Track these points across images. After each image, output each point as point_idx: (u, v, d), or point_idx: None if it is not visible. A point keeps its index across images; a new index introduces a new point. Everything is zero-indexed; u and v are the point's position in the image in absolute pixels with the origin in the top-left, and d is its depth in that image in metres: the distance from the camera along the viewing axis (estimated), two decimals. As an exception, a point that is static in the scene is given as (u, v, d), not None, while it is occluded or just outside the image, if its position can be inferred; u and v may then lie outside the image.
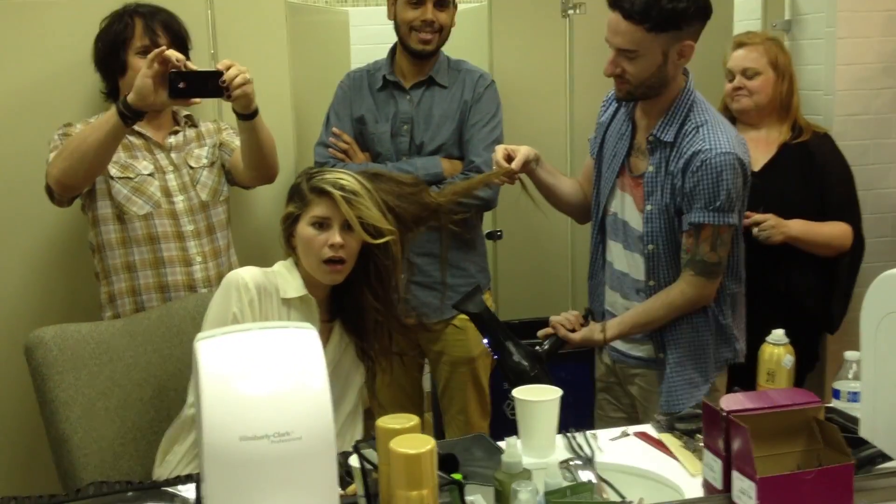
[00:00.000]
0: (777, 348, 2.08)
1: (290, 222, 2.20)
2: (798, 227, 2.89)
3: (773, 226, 2.84)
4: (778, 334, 2.10)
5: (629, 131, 2.49)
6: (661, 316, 2.42)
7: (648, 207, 2.41)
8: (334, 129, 2.94)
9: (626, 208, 2.49)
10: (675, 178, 2.36)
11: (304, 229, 2.16)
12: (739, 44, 3.03)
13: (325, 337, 2.23)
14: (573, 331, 2.44)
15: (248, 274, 2.12)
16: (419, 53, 2.90)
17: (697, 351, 2.45)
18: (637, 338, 2.50)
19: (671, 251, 2.41)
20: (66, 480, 2.13)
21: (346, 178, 2.17)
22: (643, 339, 2.49)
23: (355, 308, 2.25)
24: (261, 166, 2.67)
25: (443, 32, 2.91)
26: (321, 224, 2.15)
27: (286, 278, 2.18)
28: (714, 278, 2.39)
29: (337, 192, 2.12)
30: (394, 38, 2.96)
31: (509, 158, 2.48)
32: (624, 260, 2.51)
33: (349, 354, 2.27)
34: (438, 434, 3.21)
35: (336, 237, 2.13)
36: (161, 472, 2.14)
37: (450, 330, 2.94)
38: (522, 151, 2.49)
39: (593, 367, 2.75)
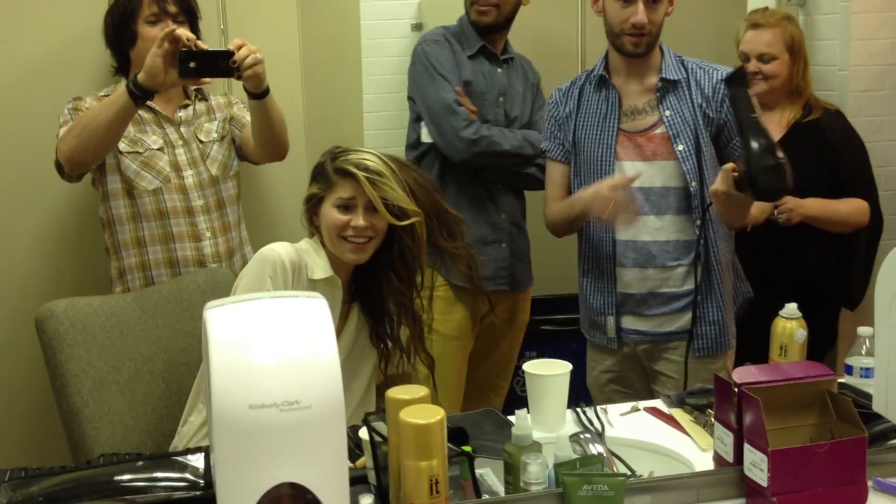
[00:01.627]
0: (790, 322, 2.07)
1: (314, 203, 2.19)
2: (815, 206, 2.88)
3: (791, 209, 2.82)
4: (791, 308, 2.08)
5: (615, 103, 2.55)
6: None
7: (680, 147, 2.48)
8: (457, 89, 2.87)
9: (640, 171, 2.51)
10: (707, 108, 2.50)
11: (329, 211, 2.14)
12: (754, 24, 2.98)
13: (344, 318, 2.22)
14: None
15: (283, 251, 2.10)
16: (478, 25, 2.92)
17: (727, 282, 2.56)
18: (670, 311, 2.54)
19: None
20: (77, 453, 2.13)
21: (371, 158, 2.14)
22: (677, 311, 2.53)
23: (376, 290, 2.23)
24: (271, 145, 2.65)
25: (501, 7, 2.91)
26: (346, 206, 2.13)
27: (314, 258, 2.16)
28: None
29: (361, 174, 2.10)
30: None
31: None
32: (649, 227, 2.51)
33: (363, 336, 2.26)
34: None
35: (360, 220, 2.11)
36: (176, 442, 2.15)
37: (522, 296, 3.04)
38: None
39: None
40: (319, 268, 2.14)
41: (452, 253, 2.24)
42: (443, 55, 2.91)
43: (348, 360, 2.19)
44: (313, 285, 2.12)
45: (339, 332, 2.19)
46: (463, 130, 2.80)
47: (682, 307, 2.53)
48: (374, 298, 2.23)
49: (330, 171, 2.16)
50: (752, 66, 2.94)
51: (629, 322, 2.58)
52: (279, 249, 2.10)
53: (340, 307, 2.18)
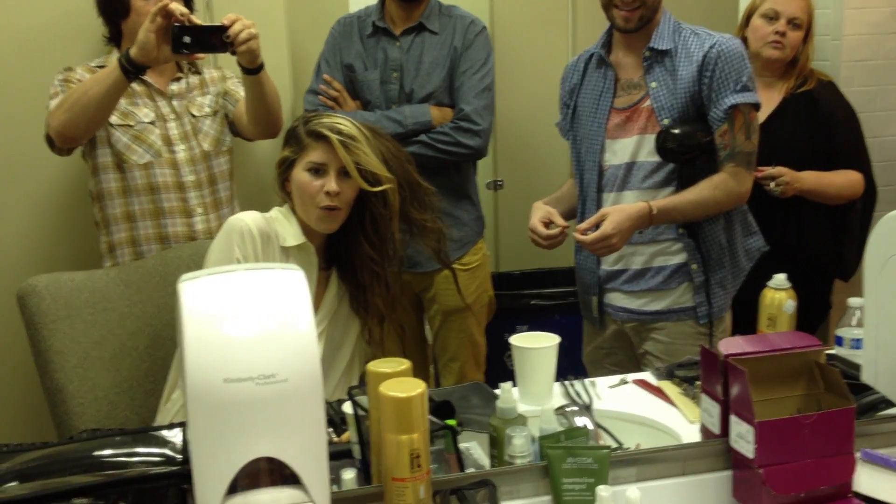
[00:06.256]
0: (778, 293, 2.05)
1: (286, 167, 2.16)
2: (811, 180, 2.86)
3: (788, 182, 2.81)
4: (779, 279, 2.06)
5: (611, 80, 2.51)
6: (706, 196, 2.40)
7: (666, 122, 2.42)
8: (325, 76, 2.89)
9: (625, 148, 2.48)
10: (692, 85, 2.40)
11: (300, 175, 2.12)
12: None
13: (324, 285, 2.20)
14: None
15: (250, 219, 2.07)
16: None
17: (730, 247, 2.49)
18: (659, 287, 2.49)
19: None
20: (61, 430, 2.12)
21: (344, 122, 2.12)
22: (666, 287, 2.49)
23: (350, 257, 2.21)
24: (265, 121, 2.63)
25: None
26: (317, 170, 2.11)
27: (284, 225, 2.14)
28: (752, 169, 2.45)
29: (334, 136, 2.08)
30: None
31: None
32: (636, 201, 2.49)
33: (345, 303, 2.24)
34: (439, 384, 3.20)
35: (332, 184, 2.08)
36: (160, 420, 2.13)
37: (440, 278, 2.90)
38: (555, 217, 2.49)
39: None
40: (291, 235, 2.12)
41: (422, 225, 2.21)
42: (330, 43, 2.95)
43: (332, 327, 2.19)
44: (286, 252, 2.11)
45: (320, 298, 2.18)
46: None
47: (672, 283, 2.50)
48: (349, 264, 2.21)
49: (302, 134, 2.13)
50: (780, 26, 2.90)
51: (616, 299, 2.56)
52: (246, 218, 2.07)
53: (318, 273, 2.16)
